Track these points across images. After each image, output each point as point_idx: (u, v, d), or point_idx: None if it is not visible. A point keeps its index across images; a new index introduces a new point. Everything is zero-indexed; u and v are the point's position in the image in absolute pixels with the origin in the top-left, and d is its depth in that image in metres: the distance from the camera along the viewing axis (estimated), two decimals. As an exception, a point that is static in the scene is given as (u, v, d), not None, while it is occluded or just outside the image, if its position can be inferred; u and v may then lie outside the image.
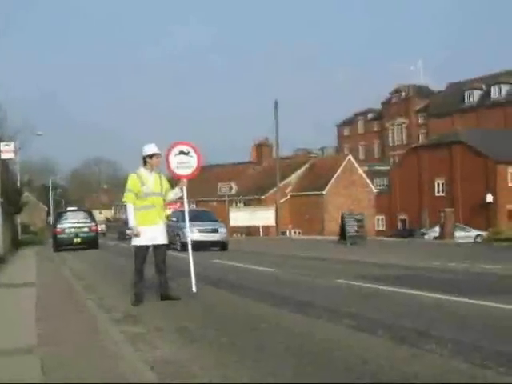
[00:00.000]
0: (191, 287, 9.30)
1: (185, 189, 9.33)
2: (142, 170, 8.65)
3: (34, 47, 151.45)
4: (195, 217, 24.93)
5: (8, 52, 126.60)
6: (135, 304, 8.29)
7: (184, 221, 22.60)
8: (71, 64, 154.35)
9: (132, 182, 8.56)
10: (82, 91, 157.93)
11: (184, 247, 22.66)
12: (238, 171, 55.81)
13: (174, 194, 9.05)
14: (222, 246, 24.48)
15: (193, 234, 22.79)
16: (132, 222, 8.52)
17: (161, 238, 8.64)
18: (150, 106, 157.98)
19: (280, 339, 5.78)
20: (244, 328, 6.42)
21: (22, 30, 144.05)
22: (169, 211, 25.36)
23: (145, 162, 8.67)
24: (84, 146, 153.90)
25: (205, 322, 6.83)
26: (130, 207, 8.53)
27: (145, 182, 8.54)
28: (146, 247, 8.56)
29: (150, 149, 8.67)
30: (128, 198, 8.54)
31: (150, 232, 8.48)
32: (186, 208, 10.11)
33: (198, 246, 22.85)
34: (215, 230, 24.77)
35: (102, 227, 68.25)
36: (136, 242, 8.56)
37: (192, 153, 9.79)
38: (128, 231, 8.99)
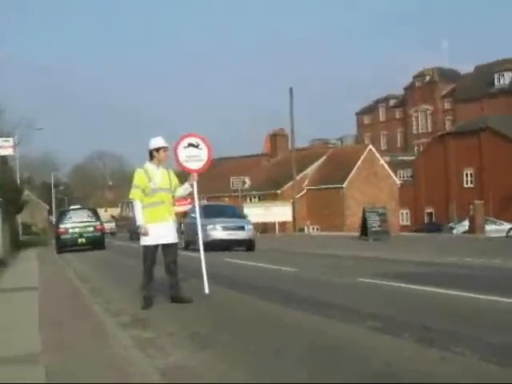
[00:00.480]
0: (203, 289, 9.33)
1: (195, 184, 9.34)
2: (149, 165, 8.66)
3: (33, 36, 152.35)
4: (218, 212, 24.16)
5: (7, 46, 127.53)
6: (144, 307, 8.32)
7: (206, 217, 21.70)
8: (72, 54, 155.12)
9: (139, 177, 8.59)
10: (84, 82, 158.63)
11: (207, 247, 22.10)
12: (251, 164, 55.80)
13: (183, 189, 9.06)
14: (248, 245, 22.96)
15: (216, 231, 22.42)
16: (140, 221, 8.54)
17: (171, 237, 8.67)
18: (158, 97, 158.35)
19: (299, 342, 5.79)
20: (260, 331, 6.44)
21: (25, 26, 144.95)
22: (184, 208, 25.12)
23: (152, 157, 8.68)
24: (87, 140, 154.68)
25: (218, 326, 6.85)
26: (137, 205, 8.56)
27: (152, 177, 8.55)
28: (156, 247, 8.58)
29: (158, 142, 8.68)
30: (135, 194, 8.57)
31: (160, 230, 8.50)
32: (197, 204, 10.11)
33: (223, 245, 22.13)
34: (241, 228, 23.34)
35: (111, 226, 66.81)
36: (145, 241, 8.58)
37: (202, 145, 9.80)
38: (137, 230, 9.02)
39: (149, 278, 8.55)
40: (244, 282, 11.44)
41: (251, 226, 23.89)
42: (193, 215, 22.96)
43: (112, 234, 65.49)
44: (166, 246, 8.63)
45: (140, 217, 8.53)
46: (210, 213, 23.13)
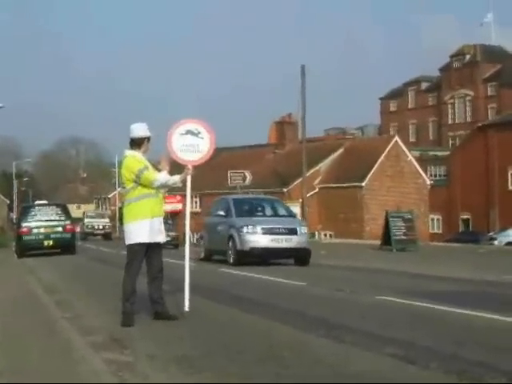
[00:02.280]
0: (184, 305, 9.30)
1: (189, 178, 9.37)
2: (138, 154, 8.69)
3: None
4: (254, 208, 21.22)
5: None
6: (126, 324, 8.33)
7: (239, 215, 19.94)
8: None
9: (139, 161, 8.55)
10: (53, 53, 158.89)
11: (241, 259, 19.06)
12: (254, 157, 55.83)
13: (172, 180, 8.95)
14: (302, 256, 19.56)
15: (257, 236, 19.05)
16: (176, 176, 8.72)
17: (164, 235, 8.81)
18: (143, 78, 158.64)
19: (306, 371, 5.81)
20: (260, 356, 6.45)
21: None
22: (172, 207, 24.42)
23: (138, 146, 8.70)
24: (57, 123, 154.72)
25: (210, 349, 6.88)
26: (161, 174, 8.56)
27: (148, 166, 8.63)
28: (148, 246, 8.59)
29: (147, 130, 8.76)
30: (153, 173, 8.51)
31: (155, 226, 8.54)
32: (189, 202, 10.04)
33: (267, 255, 19.63)
34: (292, 231, 19.61)
35: (103, 224, 58.96)
36: (137, 237, 8.50)
37: (203, 133, 9.78)
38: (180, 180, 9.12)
39: (133, 287, 8.52)
40: (243, 297, 11.45)
41: (305, 229, 20.43)
42: (220, 212, 20.62)
43: (105, 236, 57.16)
44: (154, 248, 8.64)
45: (174, 176, 8.70)
46: (243, 209, 20.71)
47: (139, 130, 8.73)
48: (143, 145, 8.70)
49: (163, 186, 8.72)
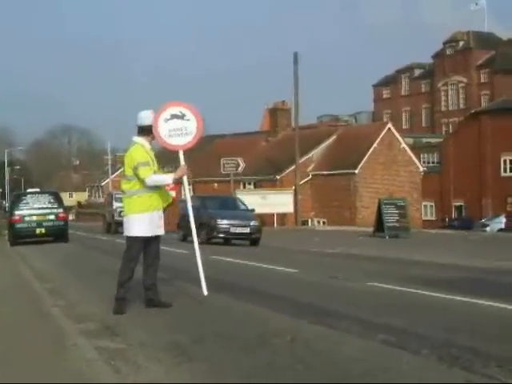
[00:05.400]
0: (201, 290, 9.18)
1: (182, 158, 9.39)
2: (144, 142, 8.70)
3: None
4: None
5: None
6: (118, 311, 8.34)
7: None
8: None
9: (142, 154, 8.57)
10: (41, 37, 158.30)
11: None
12: (246, 144, 55.76)
13: (156, 181, 8.90)
14: None
15: None
16: (168, 177, 8.78)
17: (163, 227, 8.80)
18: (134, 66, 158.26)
19: (297, 357, 5.82)
20: (252, 343, 6.46)
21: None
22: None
23: (147, 133, 8.73)
24: (49, 111, 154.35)
25: (202, 336, 6.87)
26: (154, 175, 8.56)
27: (151, 157, 8.65)
28: (145, 239, 8.61)
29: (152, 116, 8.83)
30: (148, 171, 8.49)
31: (155, 220, 8.57)
32: (187, 188, 9.95)
33: None
34: None
35: None
36: (135, 231, 8.55)
37: (189, 115, 9.72)
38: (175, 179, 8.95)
39: (130, 276, 8.52)
40: (236, 284, 11.47)
41: None
42: None
43: None
44: (153, 238, 8.66)
45: (166, 176, 8.82)
46: None
47: (148, 117, 8.76)
48: (151, 132, 8.74)
49: (153, 185, 8.65)
